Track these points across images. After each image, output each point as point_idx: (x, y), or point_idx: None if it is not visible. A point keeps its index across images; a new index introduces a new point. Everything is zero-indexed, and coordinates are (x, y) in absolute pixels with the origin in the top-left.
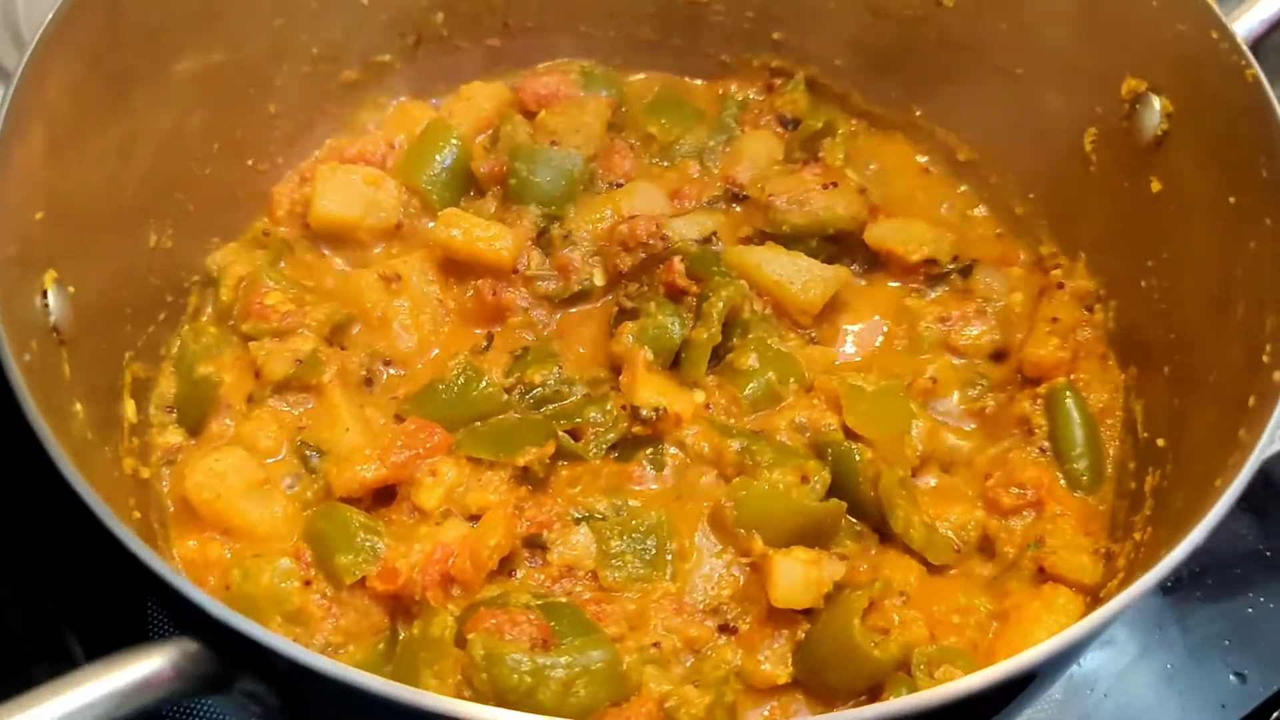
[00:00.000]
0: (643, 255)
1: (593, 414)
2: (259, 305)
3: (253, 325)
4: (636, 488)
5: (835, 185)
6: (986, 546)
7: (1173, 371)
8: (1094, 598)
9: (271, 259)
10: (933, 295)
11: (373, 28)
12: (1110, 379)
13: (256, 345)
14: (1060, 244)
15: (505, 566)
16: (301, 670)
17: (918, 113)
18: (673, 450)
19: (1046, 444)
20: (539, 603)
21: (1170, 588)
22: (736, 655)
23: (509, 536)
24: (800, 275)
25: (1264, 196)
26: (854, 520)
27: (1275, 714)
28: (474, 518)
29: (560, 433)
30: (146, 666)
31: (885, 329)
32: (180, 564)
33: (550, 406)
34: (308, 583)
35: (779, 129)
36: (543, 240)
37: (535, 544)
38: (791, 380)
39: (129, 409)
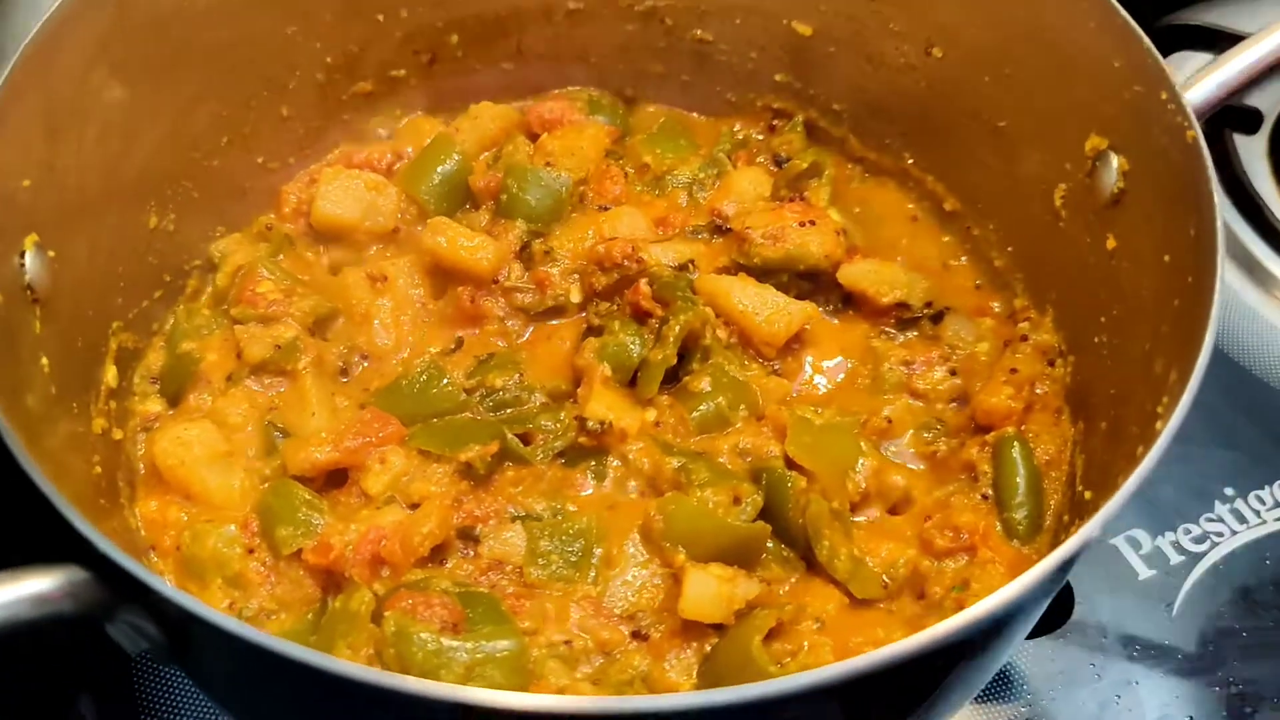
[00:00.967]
0: (617, 276)
1: (545, 421)
2: (250, 292)
3: (241, 310)
4: (577, 494)
5: (813, 223)
6: (918, 586)
7: (1108, 427)
8: None
9: (271, 251)
10: (901, 339)
11: (388, 43)
12: (1061, 433)
13: (241, 328)
14: (1032, 298)
15: (437, 555)
16: (181, 610)
17: (910, 160)
18: (615, 463)
19: (989, 491)
20: (459, 590)
21: None
22: (644, 661)
23: (442, 526)
24: (766, 307)
25: (1190, 255)
26: (784, 547)
27: None
28: (415, 506)
29: (510, 435)
30: (39, 584)
31: (849, 367)
32: (141, 522)
33: (507, 411)
34: (251, 550)
35: (773, 168)
36: (525, 254)
37: (469, 536)
38: (742, 407)
39: (109, 374)
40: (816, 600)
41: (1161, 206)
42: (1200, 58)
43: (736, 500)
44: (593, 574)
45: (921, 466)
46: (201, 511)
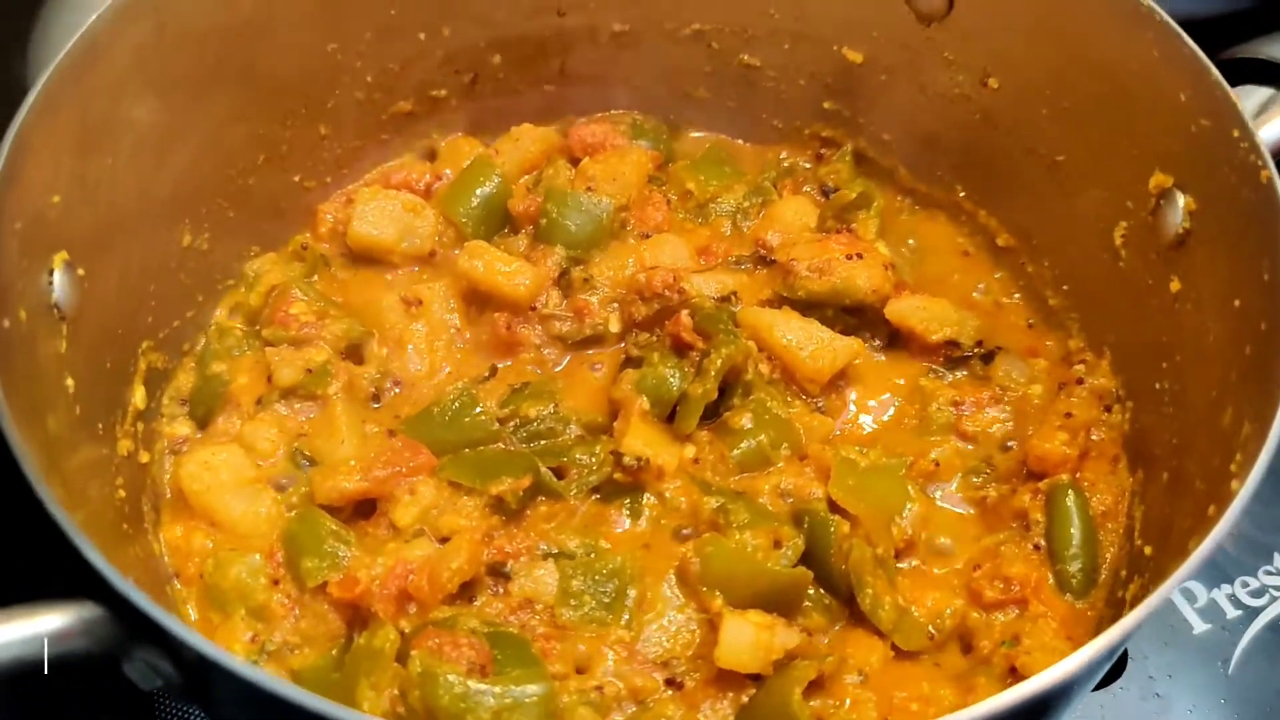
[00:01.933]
0: (657, 306)
1: (580, 455)
2: (283, 314)
3: (273, 332)
4: (611, 531)
5: (860, 257)
6: (965, 638)
7: (1170, 478)
8: None
9: (305, 272)
10: (951, 378)
11: (429, 62)
12: (1118, 482)
13: (273, 351)
14: (1088, 339)
15: (466, 592)
16: (199, 654)
17: (961, 193)
18: (651, 500)
19: (1042, 541)
20: (488, 630)
21: None
22: (678, 711)
23: (472, 562)
24: (810, 343)
25: (1264, 300)
26: (825, 594)
27: None
28: (444, 540)
29: (544, 469)
30: (53, 621)
31: (896, 406)
32: (165, 548)
33: (541, 442)
34: (276, 581)
35: (819, 197)
36: (563, 281)
37: (499, 573)
38: (784, 446)
39: (138, 394)
40: (859, 651)
41: (1231, 248)
42: (1262, 92)
43: (777, 544)
44: (626, 616)
45: (971, 512)
46: (226, 539)
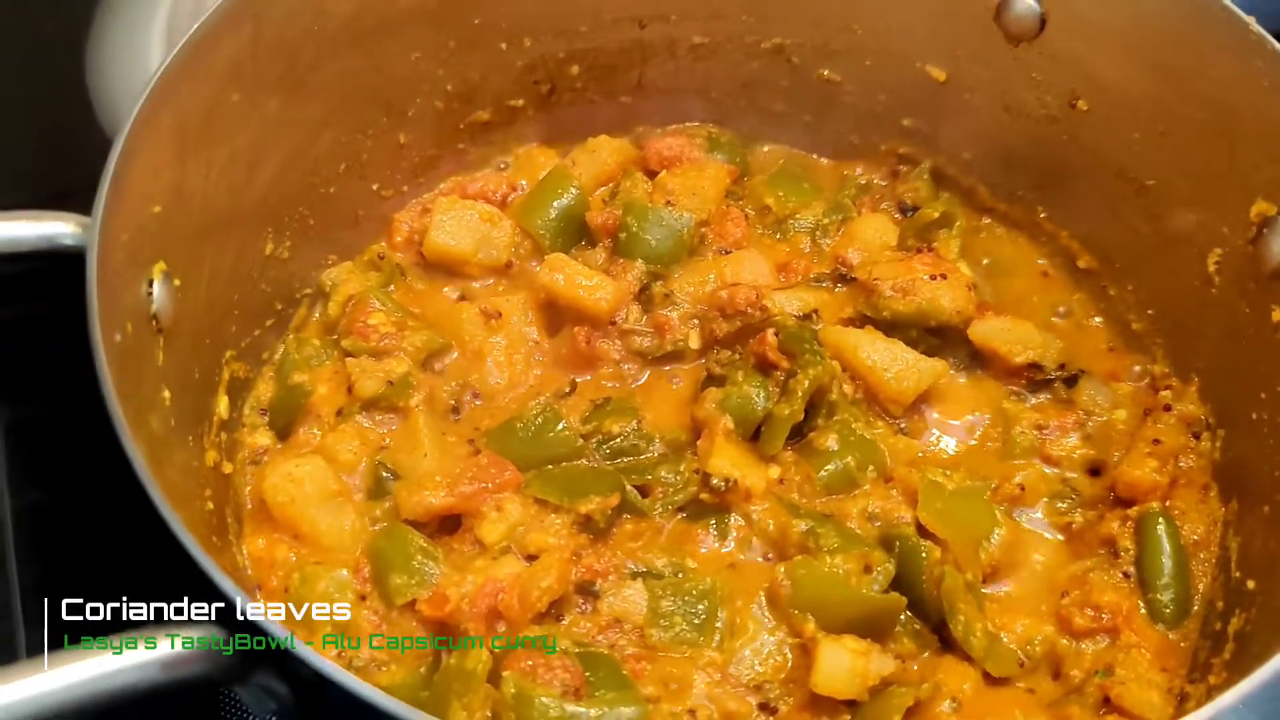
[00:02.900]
0: (739, 323)
1: (664, 473)
2: (362, 324)
3: (353, 342)
4: (696, 550)
5: (944, 277)
6: (1055, 665)
7: (1272, 511)
8: None
9: (383, 281)
10: (1033, 401)
11: (508, 72)
12: (1209, 511)
13: (353, 362)
14: (1174, 365)
15: (554, 610)
16: (318, 677)
17: (1042, 214)
18: (738, 521)
19: (1131, 569)
20: (579, 650)
21: None
22: None
23: (561, 581)
24: (895, 364)
25: None
26: (915, 619)
27: None
28: (531, 557)
29: (629, 487)
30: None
31: (980, 429)
32: (248, 560)
33: (624, 459)
34: (363, 597)
35: (897, 215)
36: (644, 296)
37: (587, 591)
38: (870, 468)
39: (222, 405)
40: (950, 678)
41: None
42: None
43: (867, 568)
44: (717, 638)
45: (1058, 538)
46: (311, 552)
